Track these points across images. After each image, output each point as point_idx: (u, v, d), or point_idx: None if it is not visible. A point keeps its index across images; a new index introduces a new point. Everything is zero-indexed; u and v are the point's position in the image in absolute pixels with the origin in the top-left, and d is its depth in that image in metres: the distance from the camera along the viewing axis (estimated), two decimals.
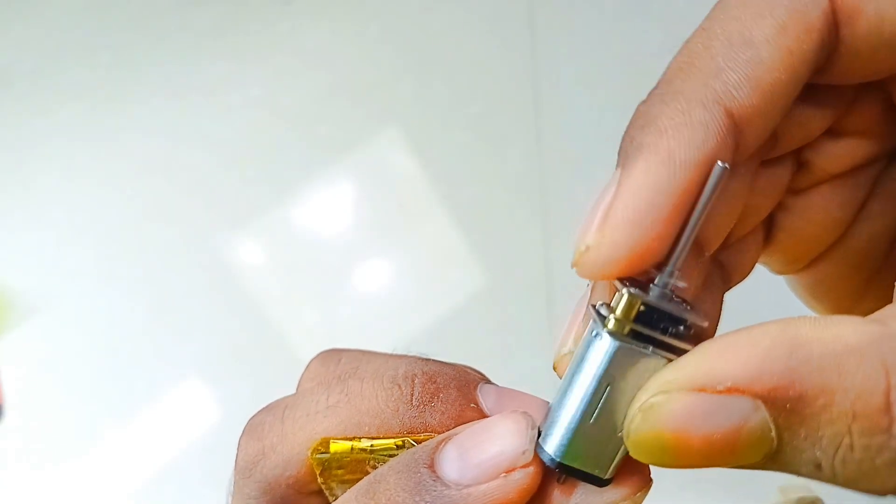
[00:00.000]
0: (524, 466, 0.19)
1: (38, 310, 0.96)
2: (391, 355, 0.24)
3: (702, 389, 0.16)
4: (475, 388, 0.22)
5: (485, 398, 0.22)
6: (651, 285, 0.18)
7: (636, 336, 0.18)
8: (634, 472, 0.19)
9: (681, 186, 0.18)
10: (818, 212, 0.25)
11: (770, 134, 0.20)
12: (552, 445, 0.19)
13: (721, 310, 0.24)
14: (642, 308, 0.18)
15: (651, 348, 0.18)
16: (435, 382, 0.22)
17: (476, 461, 0.19)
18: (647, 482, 0.19)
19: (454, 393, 0.22)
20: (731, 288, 0.24)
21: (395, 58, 1.09)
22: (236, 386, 0.90)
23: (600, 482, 0.19)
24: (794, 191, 0.24)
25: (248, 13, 1.15)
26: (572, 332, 0.20)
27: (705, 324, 0.18)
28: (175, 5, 1.16)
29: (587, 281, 0.20)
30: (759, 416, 0.16)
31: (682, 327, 0.18)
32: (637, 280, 0.19)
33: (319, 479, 0.22)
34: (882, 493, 0.16)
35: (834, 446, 0.15)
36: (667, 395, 0.16)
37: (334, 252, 0.98)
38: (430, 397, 0.22)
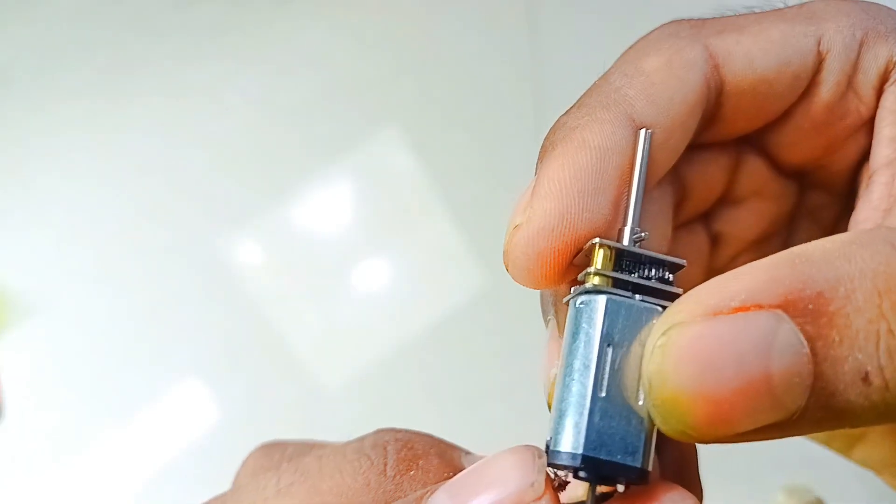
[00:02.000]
0: (535, 501, 0.15)
1: (37, 310, 0.96)
2: (323, 441, 0.21)
3: (716, 313, 0.14)
4: (459, 456, 0.19)
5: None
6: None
7: (620, 286, 0.17)
8: (674, 482, 0.17)
9: (596, 165, 0.18)
10: None
11: (670, 159, 0.21)
12: (567, 442, 0.16)
13: None
14: (618, 255, 0.17)
15: (640, 297, 0.16)
16: (412, 449, 0.18)
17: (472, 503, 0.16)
18: (692, 493, 0.16)
19: (436, 461, 0.18)
20: None
21: (395, 57, 1.09)
22: (235, 386, 0.90)
23: (637, 474, 0.16)
24: (715, 270, 0.25)
25: (248, 12, 1.15)
26: (555, 355, 0.19)
27: (685, 262, 0.17)
28: (174, 5, 1.16)
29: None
30: (786, 328, 0.14)
31: (665, 271, 0.17)
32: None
33: None
34: None
35: (873, 338, 0.14)
36: (680, 326, 0.14)
37: (334, 252, 0.98)
38: (408, 466, 0.18)
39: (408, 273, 0.97)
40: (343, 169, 1.03)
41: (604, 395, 0.16)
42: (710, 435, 0.15)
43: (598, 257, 0.17)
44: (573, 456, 0.16)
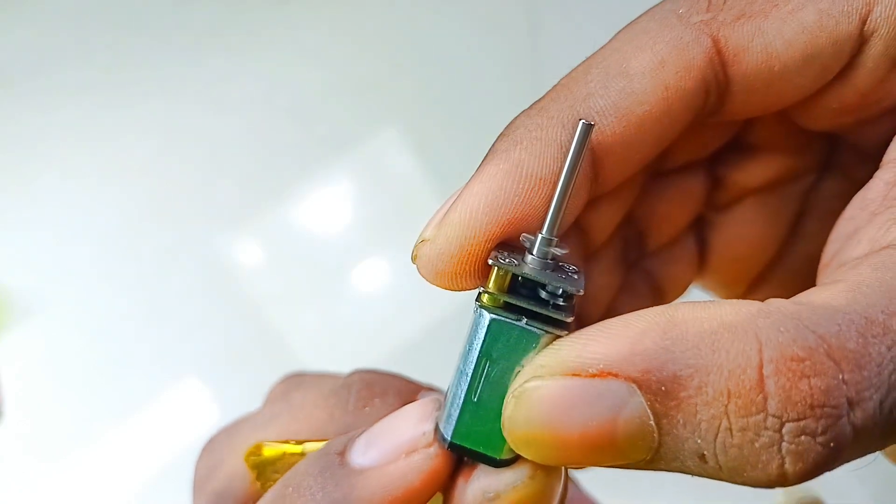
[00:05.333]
0: (425, 448, 0.18)
1: (36, 310, 0.96)
2: (345, 373, 0.24)
3: (574, 374, 0.15)
4: (416, 394, 0.22)
5: None
6: (528, 255, 0.18)
7: (511, 309, 0.17)
8: None
9: (520, 197, 0.18)
10: (746, 228, 0.24)
11: (639, 164, 0.20)
12: (446, 426, 0.18)
13: None
14: (518, 279, 0.17)
15: (525, 320, 0.17)
16: (371, 389, 0.22)
17: (379, 446, 0.19)
18: None
19: (391, 398, 0.22)
20: (666, 303, 0.24)
21: (395, 56, 1.09)
22: (235, 386, 0.90)
23: (496, 463, 0.18)
24: (716, 207, 0.24)
25: (247, 12, 1.15)
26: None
27: (581, 292, 0.17)
28: (173, 4, 1.16)
29: None
30: (636, 401, 0.15)
31: (560, 298, 0.17)
32: (516, 248, 0.18)
33: (257, 484, 0.22)
34: (767, 482, 0.15)
35: (713, 431, 0.14)
36: (539, 380, 0.16)
37: (333, 252, 0.98)
38: (365, 402, 0.22)
39: (408, 273, 0.97)
40: (343, 169, 1.03)
41: (476, 400, 0.17)
42: (557, 464, 0.17)
43: (492, 278, 0.17)
44: (444, 439, 0.18)
